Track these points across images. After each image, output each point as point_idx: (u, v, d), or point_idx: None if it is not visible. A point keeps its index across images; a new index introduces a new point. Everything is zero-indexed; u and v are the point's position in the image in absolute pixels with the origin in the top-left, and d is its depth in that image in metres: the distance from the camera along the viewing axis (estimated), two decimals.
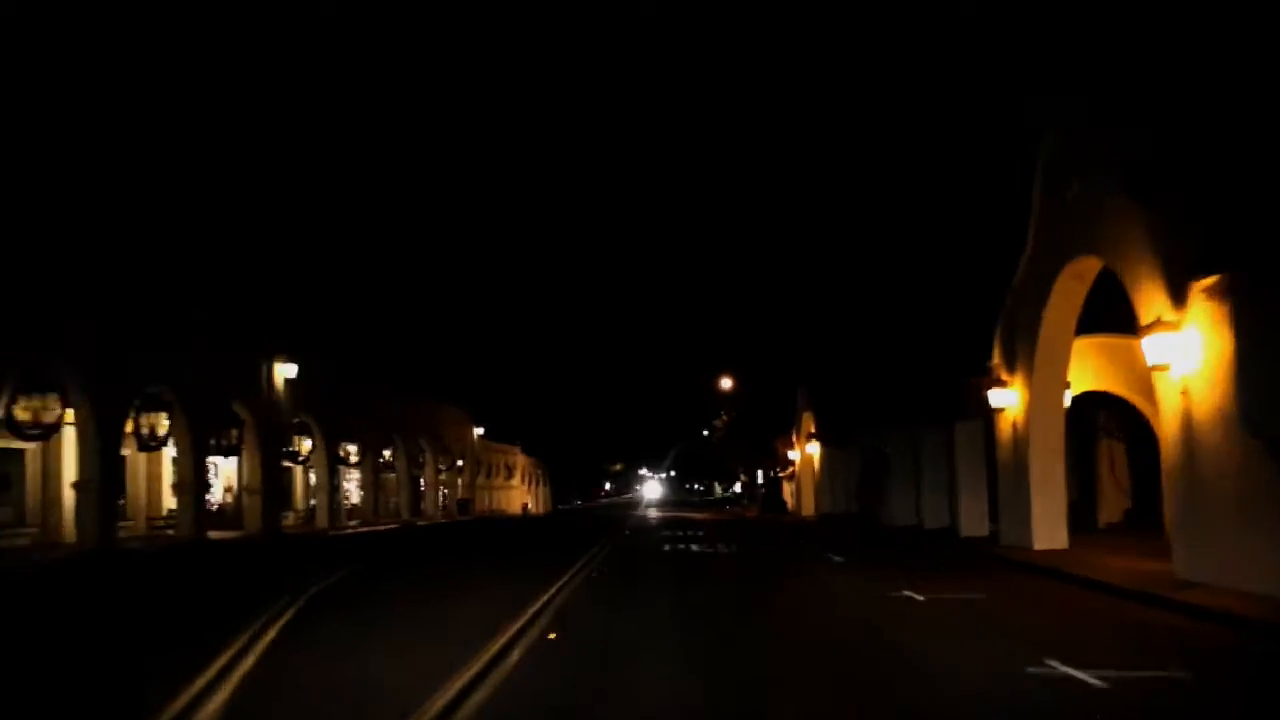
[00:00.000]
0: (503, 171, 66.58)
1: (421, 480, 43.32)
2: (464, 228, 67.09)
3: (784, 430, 46.45)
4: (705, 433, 77.57)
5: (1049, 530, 16.17)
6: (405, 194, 52.68)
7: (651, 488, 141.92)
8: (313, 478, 33.02)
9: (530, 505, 67.76)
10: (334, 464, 32.38)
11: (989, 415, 17.94)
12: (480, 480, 54.58)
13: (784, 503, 49.32)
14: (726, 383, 55.47)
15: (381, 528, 32.08)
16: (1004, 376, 17.37)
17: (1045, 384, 16.32)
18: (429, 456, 44.16)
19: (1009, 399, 17.16)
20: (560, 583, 12.60)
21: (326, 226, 40.64)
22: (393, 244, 50.59)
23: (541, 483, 76.80)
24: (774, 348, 47.52)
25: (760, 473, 59.70)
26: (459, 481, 49.26)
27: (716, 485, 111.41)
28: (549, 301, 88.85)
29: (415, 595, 11.80)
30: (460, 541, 24.25)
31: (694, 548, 19.85)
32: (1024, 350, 16.68)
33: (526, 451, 68.57)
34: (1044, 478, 16.21)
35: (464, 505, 48.33)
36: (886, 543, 20.94)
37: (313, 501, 32.77)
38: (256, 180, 33.82)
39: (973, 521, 20.64)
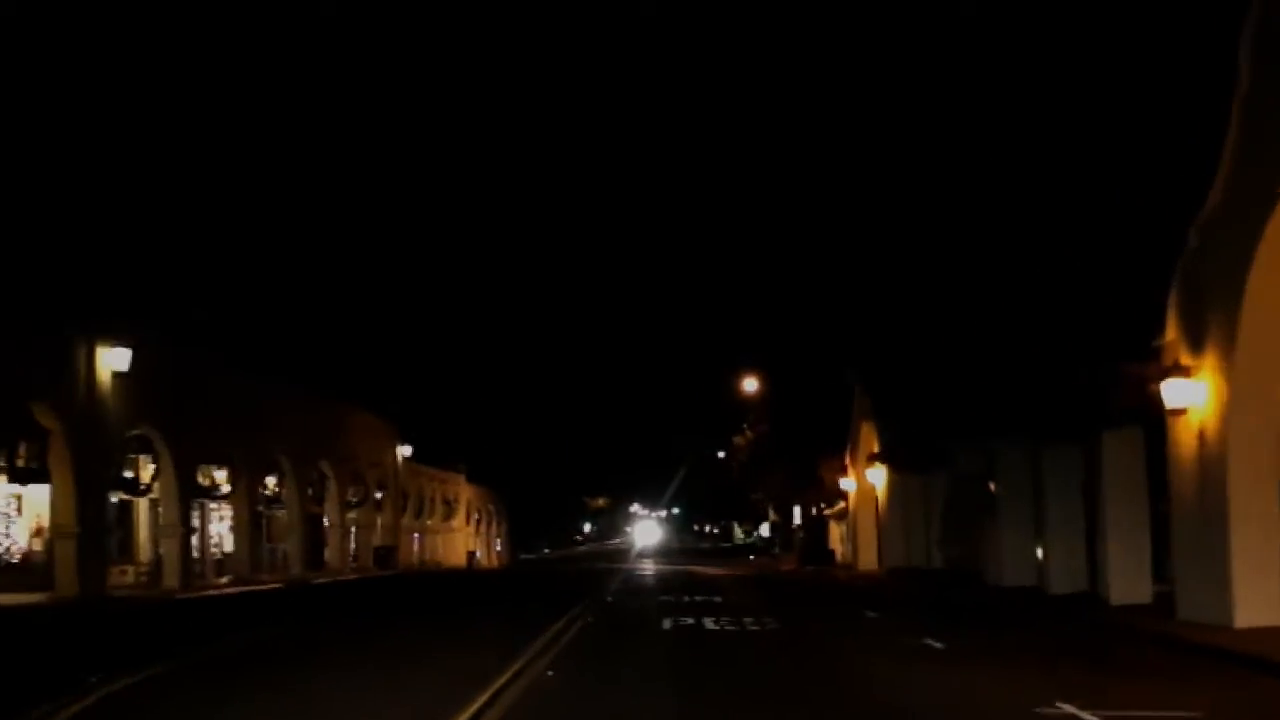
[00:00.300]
0: (482, 157, 79.08)
1: (325, 519, 43.49)
2: (422, 211, 72.24)
3: (833, 449, 45.80)
4: (721, 455, 78.63)
5: (1259, 596, 15.15)
6: (360, 172, 59.24)
7: (646, 530, 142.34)
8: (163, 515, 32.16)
9: (480, 554, 68.53)
10: (190, 496, 32.11)
11: (1154, 419, 17.36)
12: (408, 520, 54.40)
13: (831, 552, 50.14)
14: (751, 385, 54.98)
15: (262, 587, 32.08)
16: (1185, 360, 16.54)
17: (1253, 371, 15.33)
18: (333, 486, 43.70)
19: (1193, 394, 16.32)
20: (489, 694, 10.76)
21: (196, 176, 42.45)
22: (307, 212, 53.43)
23: (496, 523, 77.31)
24: (817, 335, 47.96)
25: (797, 509, 59.49)
26: (377, 522, 49.06)
27: (736, 527, 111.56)
28: (509, 286, 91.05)
29: None
30: (360, 613, 23.69)
31: (708, 623, 18.47)
32: (1218, 320, 15.81)
33: (475, 480, 68.64)
34: (1251, 514, 15.27)
35: (384, 555, 48.23)
36: (999, 616, 20.35)
37: (161, 550, 31.95)
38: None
39: (1127, 581, 19.93)
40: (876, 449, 37.95)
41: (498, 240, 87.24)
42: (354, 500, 45.66)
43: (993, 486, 26.43)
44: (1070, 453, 22.55)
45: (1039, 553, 23.83)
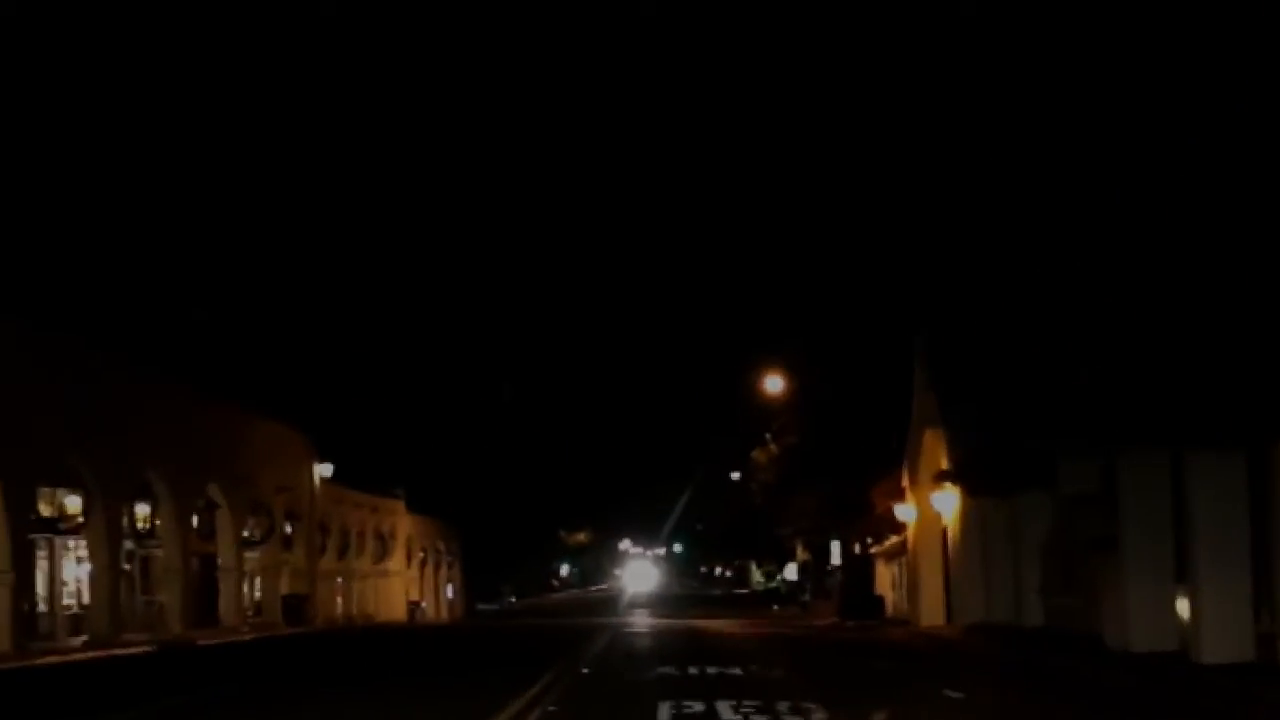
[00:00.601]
0: (464, 147, 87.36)
1: (218, 559, 44.29)
2: (398, 203, 77.22)
3: (884, 465, 45.73)
4: (736, 475, 79.98)
5: None
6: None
7: (640, 572, 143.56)
8: None
9: (426, 604, 69.30)
10: (26, 529, 32.29)
11: None
12: (329, 561, 54.64)
13: (879, 601, 50.32)
14: (775, 384, 55.26)
15: (125, 651, 32.15)
16: None
17: None
18: (227, 517, 43.97)
19: None
20: None
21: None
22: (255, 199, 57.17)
23: (447, 564, 77.72)
24: (862, 312, 48.33)
25: (836, 545, 59.65)
26: (287, 563, 49.60)
27: (754, 568, 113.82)
28: (470, 271, 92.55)
29: None
30: (248, 685, 22.78)
31: (726, 713, 16.45)
32: None
33: (418, 509, 69.08)
34: None
35: (296, 607, 48.50)
36: (1137, 701, 18.74)
37: None
38: None
39: None
40: (945, 464, 37.08)
41: (464, 223, 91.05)
42: (255, 536, 45.89)
43: (1109, 512, 25.50)
44: (1230, 464, 21.86)
45: (1182, 605, 23.14)
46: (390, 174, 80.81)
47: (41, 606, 35.65)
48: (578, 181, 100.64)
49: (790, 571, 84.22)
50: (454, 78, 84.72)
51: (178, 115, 52.36)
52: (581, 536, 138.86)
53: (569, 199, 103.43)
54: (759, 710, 16.18)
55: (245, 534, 45.10)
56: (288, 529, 48.61)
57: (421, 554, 71.28)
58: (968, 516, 36.65)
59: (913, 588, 43.40)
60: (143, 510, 39.55)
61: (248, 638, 39.67)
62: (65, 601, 37.09)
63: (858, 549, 55.88)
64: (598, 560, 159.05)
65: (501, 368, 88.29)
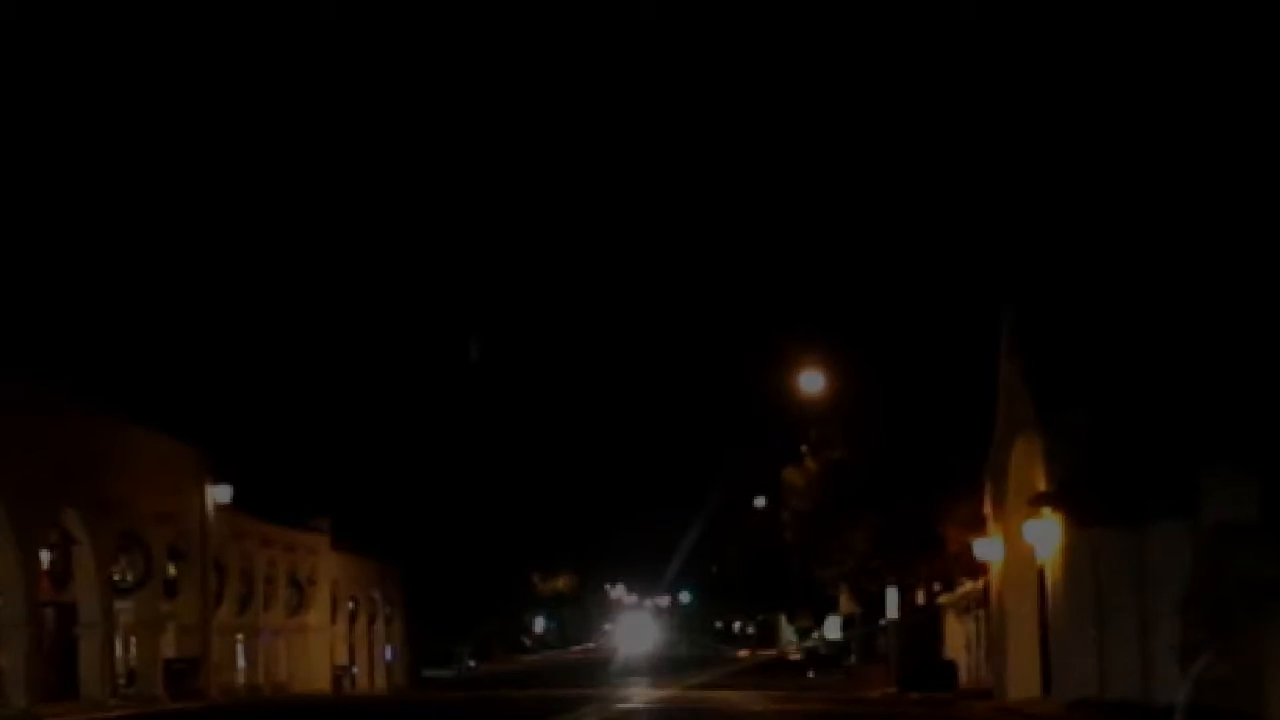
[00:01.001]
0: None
1: (78, 612, 43.70)
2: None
3: (957, 487, 45.87)
4: (760, 502, 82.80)
5: None
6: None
7: (636, 627, 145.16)
8: None
9: (357, 669, 69.53)
10: None
11: None
12: (227, 613, 54.03)
13: (950, 667, 50.69)
14: (813, 382, 55.09)
15: None
16: None
17: None
18: (89, 554, 43.40)
19: None
20: None
21: None
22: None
23: (384, 617, 77.55)
24: (928, 286, 48.82)
25: (893, 592, 59.58)
26: (171, 616, 49.09)
27: (784, 622, 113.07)
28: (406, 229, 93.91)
29: None
30: None
31: None
32: None
33: (346, 545, 68.79)
34: None
35: (184, 674, 48.23)
36: None
37: None
38: None
39: None
40: (1043, 484, 36.55)
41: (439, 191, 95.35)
42: (128, 580, 45.27)
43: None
44: None
45: None
46: (375, 164, 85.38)
47: None
48: (578, 155, 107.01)
49: (832, 627, 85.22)
50: (453, 76, 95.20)
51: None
52: (561, 582, 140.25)
53: (565, 173, 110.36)
54: None
55: (115, 578, 44.45)
56: (172, 571, 47.82)
57: (351, 604, 70.70)
58: (1074, 553, 35.95)
59: (996, 649, 43.24)
60: None
61: (115, 716, 39.53)
62: None
63: (922, 598, 56.37)
64: (583, 612, 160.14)
65: (457, 353, 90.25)
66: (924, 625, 55.05)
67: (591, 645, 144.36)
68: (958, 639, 52.02)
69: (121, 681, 45.43)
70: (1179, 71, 35.53)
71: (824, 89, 62.38)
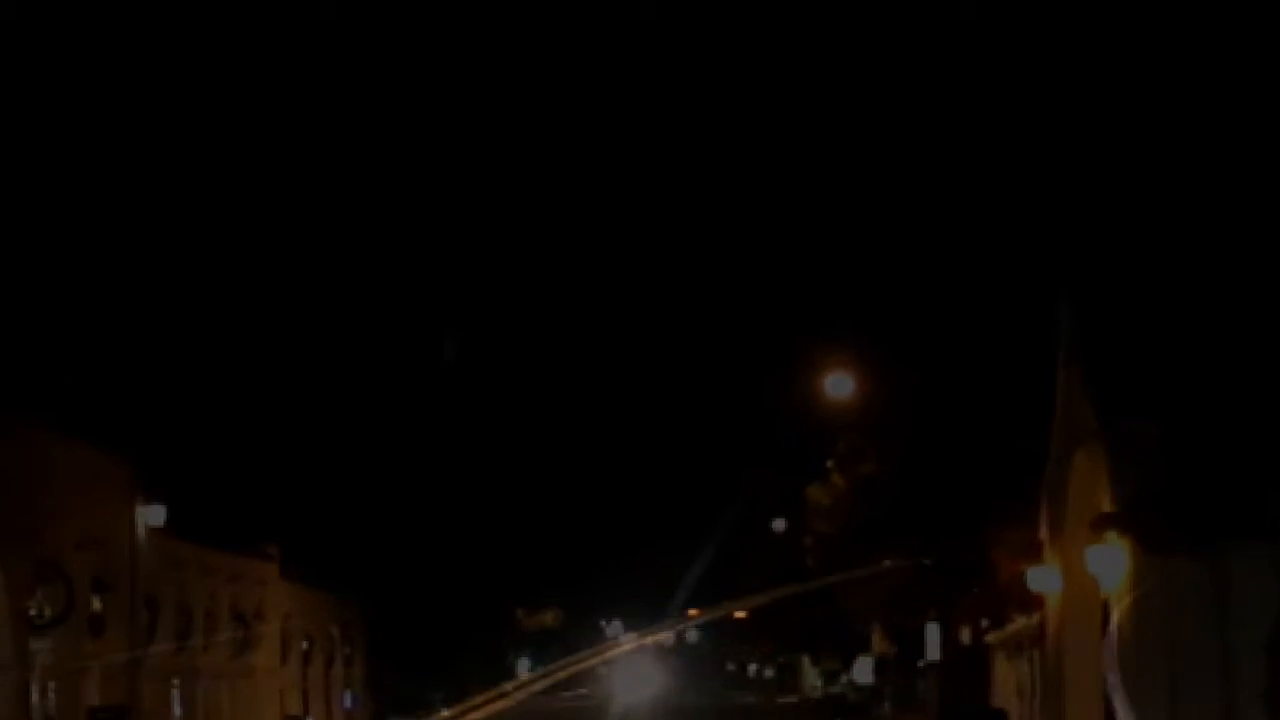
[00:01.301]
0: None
1: None
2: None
3: (1008, 508, 46.30)
4: (779, 525, 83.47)
5: None
6: None
7: (637, 671, 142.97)
8: None
9: (312, 718, 70.80)
10: None
11: None
12: (160, 653, 54.09)
13: (1000, 715, 51.94)
14: (841, 386, 55.81)
15: None
16: None
17: None
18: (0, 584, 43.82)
19: None
20: None
21: None
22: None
23: (342, 658, 78.54)
24: (972, 278, 49.88)
25: (934, 629, 60.35)
26: (92, 657, 48.97)
27: (807, 664, 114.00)
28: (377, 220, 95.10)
29: None
30: None
31: None
32: None
33: (299, 575, 69.66)
34: None
35: None
36: None
37: None
38: None
39: None
40: (1108, 504, 36.56)
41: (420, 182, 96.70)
42: (45, 616, 45.39)
43: None
44: None
45: None
46: (375, 164, 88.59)
47: None
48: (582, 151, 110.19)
49: (862, 670, 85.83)
50: (453, 76, 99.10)
51: None
52: (549, 617, 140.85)
53: (565, 173, 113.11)
54: None
55: (31, 613, 44.57)
56: (96, 605, 48.16)
57: (305, 643, 71.08)
58: (1143, 584, 35.74)
59: (1053, 695, 43.49)
60: None
61: None
62: None
63: (967, 636, 56.60)
64: (574, 645, 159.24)
65: (429, 352, 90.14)
66: (969, 668, 55.67)
67: (584, 691, 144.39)
68: (1008, 683, 52.45)
69: None
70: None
71: (830, 82, 63.79)
